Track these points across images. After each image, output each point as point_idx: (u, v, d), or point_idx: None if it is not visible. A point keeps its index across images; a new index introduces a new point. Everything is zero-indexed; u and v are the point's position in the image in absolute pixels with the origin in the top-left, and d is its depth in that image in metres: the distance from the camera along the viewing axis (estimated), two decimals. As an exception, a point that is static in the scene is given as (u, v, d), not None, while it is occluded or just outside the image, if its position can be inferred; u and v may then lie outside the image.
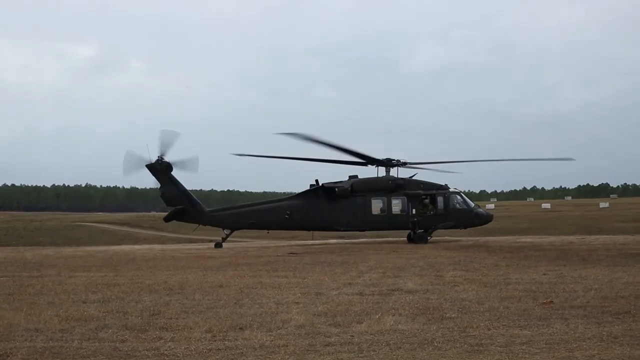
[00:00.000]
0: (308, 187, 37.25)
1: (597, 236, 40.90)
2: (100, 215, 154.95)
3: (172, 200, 36.80)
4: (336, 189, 36.21)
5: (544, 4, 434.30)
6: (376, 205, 36.22)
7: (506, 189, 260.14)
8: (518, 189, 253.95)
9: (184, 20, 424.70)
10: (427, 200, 36.45)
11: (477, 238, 41.23)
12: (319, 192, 36.56)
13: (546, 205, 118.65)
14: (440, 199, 36.28)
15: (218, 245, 36.71)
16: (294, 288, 16.33)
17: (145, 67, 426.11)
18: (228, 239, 37.86)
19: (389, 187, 36.15)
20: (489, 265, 21.69)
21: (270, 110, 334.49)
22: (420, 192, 36.34)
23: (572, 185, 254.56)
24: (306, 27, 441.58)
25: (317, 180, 37.05)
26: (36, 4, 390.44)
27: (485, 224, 38.59)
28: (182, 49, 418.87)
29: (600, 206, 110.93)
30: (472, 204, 37.33)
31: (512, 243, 34.13)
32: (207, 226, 38.84)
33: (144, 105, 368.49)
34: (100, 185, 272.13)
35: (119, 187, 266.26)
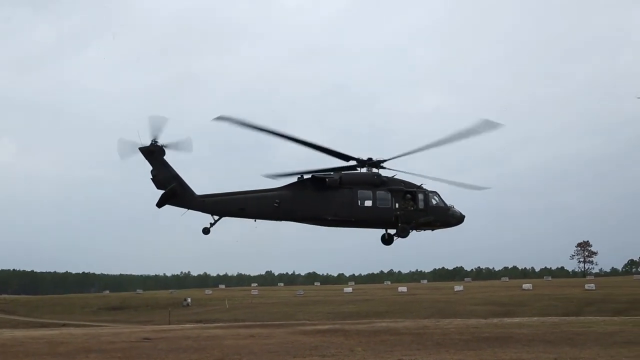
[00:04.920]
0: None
1: (451, 319, 41.95)
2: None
3: (163, 183, 35.96)
4: (327, 179, 37.12)
5: (422, 93, 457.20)
6: (363, 198, 37.55)
7: (364, 272, 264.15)
8: (375, 272, 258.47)
9: (60, 95, 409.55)
10: (409, 196, 38.15)
11: (335, 322, 41.29)
12: (308, 182, 37.32)
13: (402, 289, 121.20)
14: (420, 196, 38.15)
15: (206, 230, 35.86)
16: (142, 378, 15.56)
17: (15, 146, 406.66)
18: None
19: (374, 182, 37.74)
20: (345, 350, 21.63)
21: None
22: (403, 188, 38.10)
23: (428, 268, 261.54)
24: (196, 104, 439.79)
25: (302, 175, 37.49)
26: None
27: (458, 224, 40.20)
28: (56, 126, 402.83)
29: (455, 289, 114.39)
30: (449, 204, 39.26)
31: (369, 327, 34.31)
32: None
33: (11, 185, 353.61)
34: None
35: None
